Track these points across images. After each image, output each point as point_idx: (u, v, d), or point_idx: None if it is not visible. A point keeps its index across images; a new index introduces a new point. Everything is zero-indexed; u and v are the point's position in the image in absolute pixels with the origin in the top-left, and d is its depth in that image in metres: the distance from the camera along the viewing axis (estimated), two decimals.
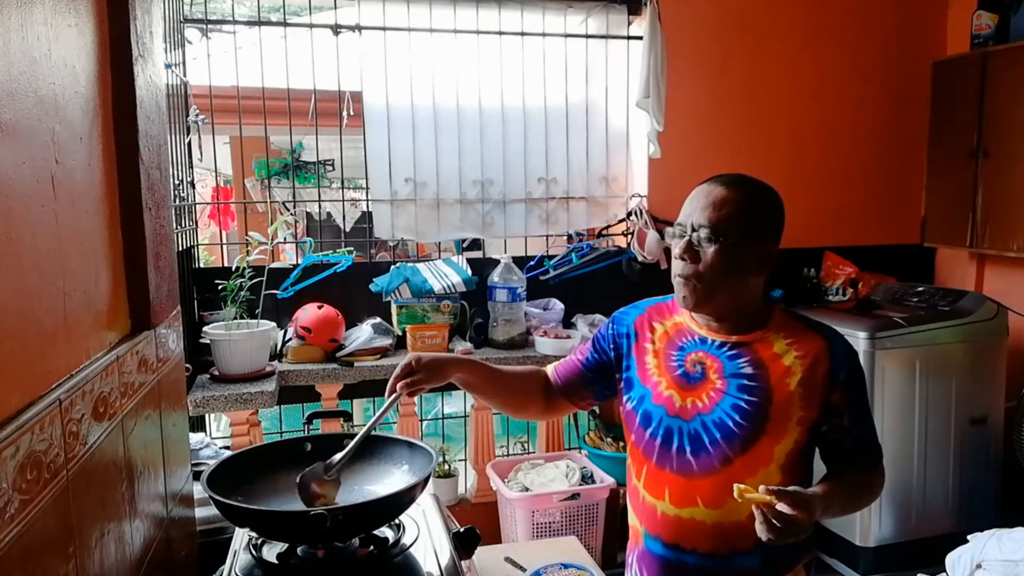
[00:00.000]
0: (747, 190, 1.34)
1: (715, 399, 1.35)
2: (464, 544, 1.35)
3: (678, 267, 1.35)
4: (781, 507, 1.16)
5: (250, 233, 2.78)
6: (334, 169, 3.98)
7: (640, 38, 3.15)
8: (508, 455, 3.43)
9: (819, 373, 1.33)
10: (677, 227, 1.36)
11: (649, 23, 3.05)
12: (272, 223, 2.78)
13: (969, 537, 2.58)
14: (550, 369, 1.60)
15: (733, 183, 1.34)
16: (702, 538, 1.35)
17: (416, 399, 2.98)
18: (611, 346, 1.51)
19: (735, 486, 1.21)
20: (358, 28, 3.01)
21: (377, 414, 1.37)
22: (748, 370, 1.34)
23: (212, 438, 2.58)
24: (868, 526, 2.91)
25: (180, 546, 1.39)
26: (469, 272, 3.12)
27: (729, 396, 1.34)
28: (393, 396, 1.37)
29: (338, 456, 1.31)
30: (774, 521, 1.16)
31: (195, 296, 2.90)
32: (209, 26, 3.00)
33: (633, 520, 1.48)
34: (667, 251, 3.33)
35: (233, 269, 2.71)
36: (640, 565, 1.44)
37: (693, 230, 1.33)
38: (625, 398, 1.48)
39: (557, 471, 2.95)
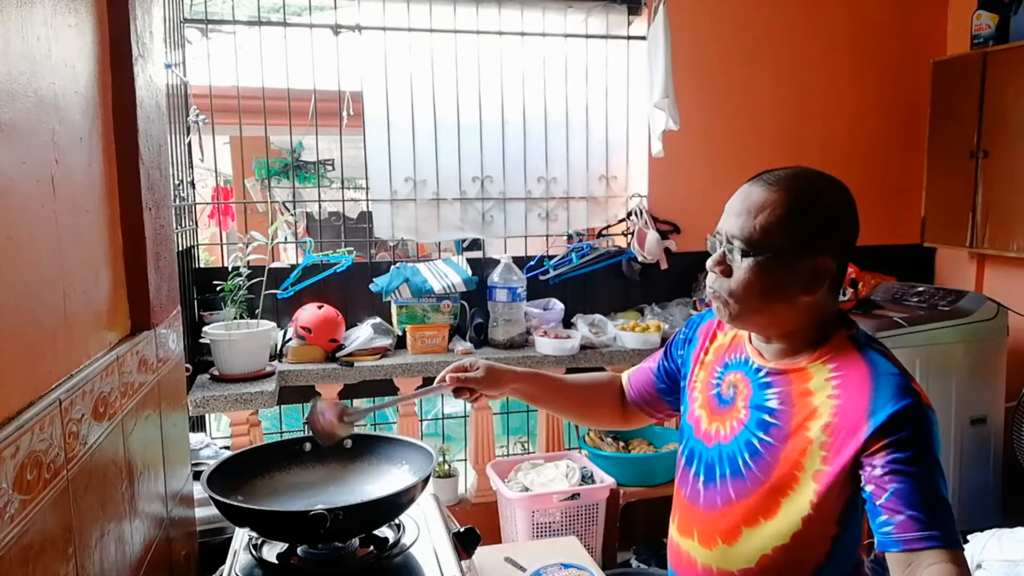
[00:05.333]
0: (793, 191, 1.10)
1: (735, 430, 1.19)
2: (464, 544, 1.35)
3: (708, 279, 1.18)
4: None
5: (250, 233, 2.78)
6: (334, 169, 3.97)
7: (640, 38, 3.14)
8: (508, 455, 3.43)
9: (854, 418, 1.04)
10: (716, 235, 1.17)
11: (663, 22, 3.01)
12: (272, 223, 2.78)
13: (969, 537, 2.57)
14: (624, 377, 1.51)
15: (778, 182, 1.11)
16: None
17: (416, 399, 2.97)
18: (679, 352, 1.40)
19: None
20: (358, 28, 3.01)
21: (419, 391, 1.39)
22: (773, 404, 1.14)
23: (212, 438, 2.57)
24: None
25: (180, 546, 1.39)
26: (469, 272, 3.12)
27: (747, 430, 1.16)
28: (439, 384, 1.36)
29: (363, 407, 1.34)
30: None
31: (195, 296, 2.90)
32: (209, 26, 3.00)
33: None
34: (667, 251, 3.33)
35: (231, 269, 2.71)
36: None
37: (728, 241, 1.13)
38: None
39: (557, 471, 2.95)
